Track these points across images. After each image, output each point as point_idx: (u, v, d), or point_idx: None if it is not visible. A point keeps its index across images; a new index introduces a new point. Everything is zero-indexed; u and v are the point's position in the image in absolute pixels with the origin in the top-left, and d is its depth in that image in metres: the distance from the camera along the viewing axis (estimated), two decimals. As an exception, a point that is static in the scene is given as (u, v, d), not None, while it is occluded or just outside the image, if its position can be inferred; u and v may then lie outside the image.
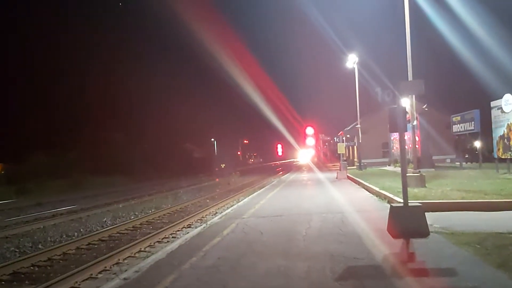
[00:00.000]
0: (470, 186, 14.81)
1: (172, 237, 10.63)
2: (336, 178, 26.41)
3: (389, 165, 36.44)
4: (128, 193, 23.83)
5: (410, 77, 15.99)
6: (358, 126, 34.65)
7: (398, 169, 17.18)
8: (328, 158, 69.36)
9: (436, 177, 19.83)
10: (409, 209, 8.07)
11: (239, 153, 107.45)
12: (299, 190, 19.52)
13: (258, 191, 20.50)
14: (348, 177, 25.63)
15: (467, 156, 34.98)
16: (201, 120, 73.30)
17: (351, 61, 34.83)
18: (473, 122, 23.99)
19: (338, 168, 32.55)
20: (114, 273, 7.22)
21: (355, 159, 45.65)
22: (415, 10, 18.40)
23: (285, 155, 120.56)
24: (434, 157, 34.99)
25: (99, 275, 7.43)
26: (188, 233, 10.26)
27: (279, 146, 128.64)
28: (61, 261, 8.99)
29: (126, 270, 6.88)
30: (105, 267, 7.80)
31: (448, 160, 37.75)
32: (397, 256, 6.38)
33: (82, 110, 45.90)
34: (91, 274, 7.30)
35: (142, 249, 9.31)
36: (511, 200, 10.75)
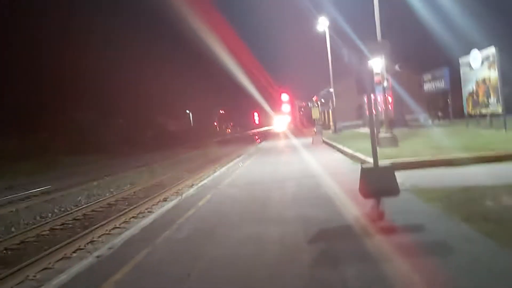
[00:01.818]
0: (440, 143, 15.10)
1: (148, 212, 10.57)
2: (312, 143, 26.56)
3: (363, 127, 36.84)
4: (103, 171, 23.51)
5: (378, 38, 15.96)
6: (332, 90, 34.71)
7: (381, 130, 17.34)
8: (304, 124, 69.71)
9: (409, 136, 20.15)
10: (379, 170, 8.17)
11: (215, 123, 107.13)
12: (275, 157, 19.59)
13: (235, 160, 20.49)
14: (324, 141, 25.84)
15: (440, 114, 35.60)
16: (175, 92, 72.32)
17: (322, 24, 34.54)
18: (443, 80, 24.28)
19: (314, 133, 32.85)
20: (88, 252, 7.17)
21: (331, 123, 46.04)
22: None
23: (263, 123, 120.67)
24: (408, 117, 35.51)
25: (73, 255, 7.37)
26: (163, 206, 10.21)
27: (256, 114, 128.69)
28: (34, 243, 8.87)
29: (99, 248, 6.83)
30: (79, 246, 7.74)
31: (422, 119, 38.40)
32: (367, 216, 6.48)
33: (51, 90, 44.59)
34: (65, 254, 7.23)
35: (117, 226, 9.25)
36: (477, 155, 11.01)
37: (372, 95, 8.55)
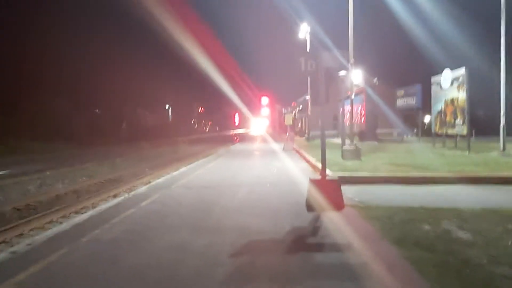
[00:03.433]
0: (403, 160, 15.13)
1: (93, 207, 10.19)
2: (283, 149, 26.47)
3: (337, 137, 36.93)
4: (65, 160, 22.89)
5: (350, 48, 15.89)
6: (308, 97, 34.72)
7: (347, 141, 17.29)
8: (283, 128, 69.71)
9: (375, 150, 20.20)
10: (326, 183, 8.06)
11: (193, 121, 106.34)
12: (242, 161, 19.36)
13: (201, 160, 20.20)
14: (294, 148, 25.75)
15: (415, 130, 35.92)
16: (155, 86, 71.37)
17: (303, 31, 34.51)
18: (415, 97, 24.45)
19: (290, 138, 32.71)
20: (12, 246, 6.78)
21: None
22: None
23: (243, 125, 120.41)
24: (381, 130, 35.75)
25: (-3, 247, 6.96)
26: (107, 203, 9.84)
27: (236, 115, 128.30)
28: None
29: (19, 243, 6.46)
30: (5, 239, 7.33)
31: (395, 134, 38.70)
32: (301, 230, 6.28)
33: (25, 74, 43.35)
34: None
35: (54, 220, 8.86)
36: (434, 175, 11.00)
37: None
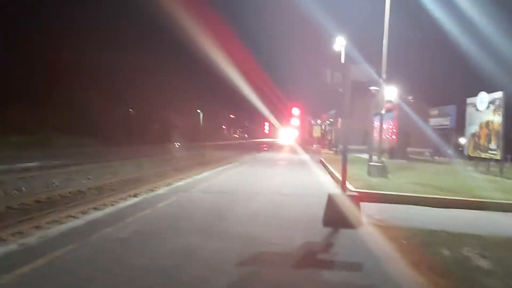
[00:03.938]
0: (431, 180, 14.62)
1: (111, 205, 10.25)
2: (309, 161, 26.21)
3: (366, 153, 36.24)
4: (93, 156, 23.32)
5: (384, 64, 15.57)
6: (334, 112, 34.36)
7: (374, 157, 16.96)
8: (312, 140, 69.13)
9: (404, 168, 19.67)
10: (345, 198, 7.82)
11: (224, 127, 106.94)
12: (265, 169, 19.21)
13: (226, 166, 20.17)
14: (321, 161, 25.42)
15: (449, 151, 34.86)
16: (189, 92, 72.22)
17: (339, 43, 34.23)
18: (449, 117, 23.74)
19: (318, 150, 32.41)
20: (24, 237, 6.86)
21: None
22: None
23: (271, 134, 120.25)
24: (413, 149, 34.88)
25: (10, 238, 7.05)
26: (126, 201, 9.88)
27: (266, 124, 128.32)
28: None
29: (32, 235, 6.51)
30: (20, 229, 7.42)
31: (427, 153, 37.69)
32: (313, 245, 6.08)
33: (60, 67, 44.49)
34: (1, 237, 6.91)
35: (72, 214, 8.94)
36: (460, 198, 10.55)
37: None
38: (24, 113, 36.26)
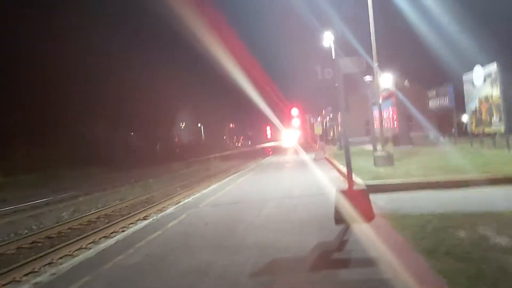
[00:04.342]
0: (438, 163, 14.51)
1: (122, 231, 10.21)
2: (314, 159, 26.12)
3: (370, 144, 36.08)
4: (101, 184, 23.34)
5: (374, 53, 15.52)
6: (330, 108, 34.29)
7: (378, 147, 16.85)
8: (314, 138, 68.83)
9: (409, 154, 19.55)
10: (354, 193, 7.73)
11: (225, 137, 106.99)
12: (271, 174, 19.15)
13: (231, 176, 20.15)
14: (325, 158, 25.34)
15: (453, 131, 34.60)
16: (189, 106, 72.58)
17: (327, 39, 34.20)
18: (447, 97, 23.62)
19: (322, 148, 32.21)
20: (38, 276, 6.81)
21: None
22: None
23: (275, 137, 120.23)
24: (416, 134, 34.71)
25: (24, 278, 7.01)
26: (136, 226, 9.84)
27: (268, 128, 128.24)
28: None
29: (45, 272, 6.47)
30: (34, 268, 7.38)
31: (431, 136, 37.48)
32: (327, 245, 6.00)
33: (60, 103, 44.74)
34: (14, 278, 6.87)
35: (83, 246, 8.90)
36: (470, 178, 10.43)
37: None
38: (30, 152, 36.47)
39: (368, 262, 5.06)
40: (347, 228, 6.88)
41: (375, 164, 15.34)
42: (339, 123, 37.16)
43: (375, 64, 15.25)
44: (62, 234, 10.81)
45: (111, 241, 8.15)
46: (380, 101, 16.69)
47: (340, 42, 32.98)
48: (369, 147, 32.95)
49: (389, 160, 15.16)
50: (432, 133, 36.75)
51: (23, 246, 9.66)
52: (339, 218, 7.50)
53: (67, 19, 53.51)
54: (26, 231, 11.73)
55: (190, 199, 13.32)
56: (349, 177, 8.06)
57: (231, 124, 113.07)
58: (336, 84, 8.08)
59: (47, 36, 47.54)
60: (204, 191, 14.95)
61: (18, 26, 49.68)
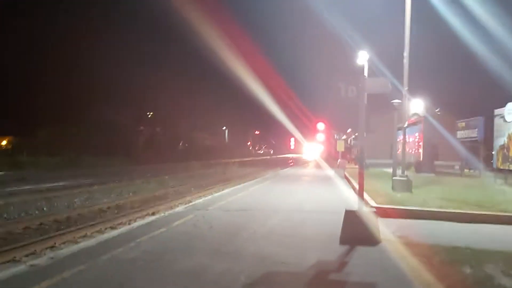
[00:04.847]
0: (458, 195, 14.08)
1: (128, 224, 10.21)
2: (333, 175, 25.84)
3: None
4: (118, 175, 23.57)
5: (405, 78, 15.23)
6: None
7: (398, 172, 16.52)
8: (337, 155, 68.02)
9: (430, 182, 19.07)
10: (362, 215, 7.54)
11: (249, 143, 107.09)
12: (287, 186, 18.98)
13: (247, 183, 20.04)
14: (345, 176, 25.02)
15: (480, 163, 33.56)
16: (214, 110, 73.00)
17: (362, 57, 33.91)
18: (476, 130, 23.03)
19: (343, 165, 31.93)
20: (36, 258, 6.85)
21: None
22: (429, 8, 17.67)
23: (297, 149, 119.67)
24: (441, 163, 33.90)
25: (24, 258, 7.03)
26: (142, 220, 9.85)
27: (292, 140, 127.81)
28: (1, 239, 8.65)
29: (42, 256, 6.50)
30: (35, 250, 7.42)
31: (457, 167, 36.54)
32: (326, 265, 5.84)
33: (91, 88, 45.65)
34: (14, 257, 6.91)
35: (88, 234, 8.91)
36: (487, 213, 10.10)
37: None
38: (53, 135, 37.27)
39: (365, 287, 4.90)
40: (350, 250, 6.71)
41: (393, 188, 15.02)
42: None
43: (404, 88, 14.96)
44: (71, 219, 10.89)
45: (115, 232, 8.20)
46: (405, 125, 16.37)
47: (373, 63, 32.67)
48: (391, 170, 32.41)
49: (407, 185, 14.81)
50: (459, 164, 35.86)
51: (30, 226, 9.77)
52: (344, 238, 7.33)
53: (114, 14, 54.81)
54: (37, 212, 11.90)
55: (200, 200, 13.31)
56: (360, 198, 7.88)
57: (255, 131, 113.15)
58: (356, 104, 7.93)
59: (81, 25, 48.86)
60: (216, 194, 14.92)
61: (58, 15, 51.18)
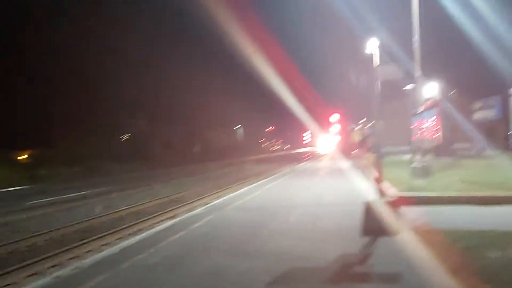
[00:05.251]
0: (479, 177, 13.87)
1: (149, 229, 10.28)
2: (350, 167, 25.65)
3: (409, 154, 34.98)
4: (137, 180, 23.80)
5: (417, 62, 15.02)
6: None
7: (417, 158, 16.30)
8: (354, 145, 67.41)
9: (450, 166, 18.83)
10: (382, 205, 7.46)
11: (264, 139, 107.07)
12: (303, 180, 18.89)
13: (263, 180, 20.01)
14: (362, 166, 24.80)
15: (499, 144, 33.01)
16: (229, 107, 73.10)
17: (372, 45, 33.54)
18: (494, 109, 22.62)
19: (359, 155, 31.56)
20: (61, 269, 6.92)
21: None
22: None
23: (312, 143, 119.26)
24: (459, 146, 33.40)
25: (49, 270, 7.15)
26: (162, 224, 9.90)
27: (307, 133, 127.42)
28: (26, 252, 8.79)
29: (68, 266, 6.56)
30: (60, 261, 7.52)
31: (476, 148, 35.97)
32: (349, 258, 5.77)
33: (106, 98, 46.00)
34: (37, 271, 7.02)
35: (110, 242, 9.02)
36: (509, 194, 9.88)
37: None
38: (73, 145, 37.78)
39: (390, 278, 4.82)
40: (373, 241, 6.62)
41: (412, 175, 14.83)
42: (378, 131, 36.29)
43: (417, 73, 14.76)
44: (93, 227, 11.04)
45: (136, 239, 8.21)
46: (421, 110, 16.15)
47: (384, 48, 32.24)
48: (407, 157, 32.01)
49: (427, 171, 14.63)
50: (477, 145, 35.28)
51: (53, 238, 9.91)
52: (365, 229, 7.25)
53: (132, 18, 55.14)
54: (56, 224, 12.05)
55: (219, 200, 13.31)
56: (379, 188, 7.78)
57: (270, 127, 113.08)
58: (368, 91, 7.82)
59: (97, 31, 49.22)
60: (233, 194, 14.90)
61: (72, 19, 51.53)
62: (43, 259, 7.65)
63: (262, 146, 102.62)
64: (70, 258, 7.79)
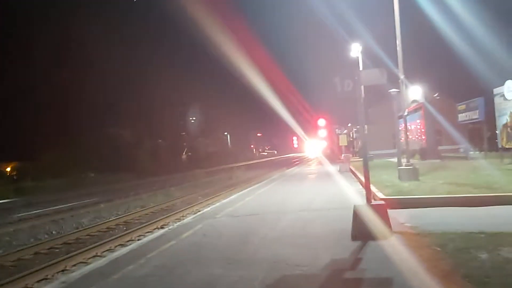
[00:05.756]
0: (465, 178, 14.01)
1: (138, 239, 10.18)
2: (338, 171, 25.73)
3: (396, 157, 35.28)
4: (124, 191, 23.59)
5: (400, 65, 15.18)
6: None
7: (403, 160, 16.46)
8: (342, 150, 67.70)
9: (436, 168, 19.00)
10: (371, 209, 7.47)
11: (252, 146, 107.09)
12: (293, 185, 18.91)
13: (253, 186, 19.97)
14: (350, 170, 24.93)
15: (484, 145, 33.44)
16: (215, 114, 73.06)
17: (355, 50, 33.79)
18: (477, 111, 22.91)
19: (347, 160, 31.72)
20: (49, 283, 6.81)
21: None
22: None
23: (300, 148, 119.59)
24: (445, 147, 33.81)
25: (36, 285, 7.02)
26: (151, 235, 9.81)
27: (295, 139, 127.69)
28: (11, 267, 8.62)
29: (57, 279, 6.46)
30: (47, 275, 7.38)
31: (461, 150, 36.41)
32: (340, 263, 5.77)
33: (91, 108, 45.71)
34: (26, 285, 6.88)
35: (98, 254, 8.89)
36: (498, 194, 10.00)
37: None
38: (58, 157, 37.33)
39: (381, 283, 4.83)
40: (363, 245, 6.63)
41: (399, 178, 14.94)
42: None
43: (401, 77, 14.90)
44: (80, 240, 10.87)
45: (125, 250, 8.13)
46: (406, 113, 16.30)
47: (368, 53, 32.55)
48: (394, 159, 32.27)
49: (414, 174, 14.73)
50: (462, 147, 35.66)
51: (40, 251, 9.73)
52: (355, 234, 7.26)
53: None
54: (46, 236, 11.88)
55: (208, 208, 13.24)
56: (367, 192, 7.81)
57: (257, 134, 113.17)
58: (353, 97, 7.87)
59: (80, 42, 48.88)
60: (223, 201, 14.85)
61: (68, 30, 50.97)
62: (30, 273, 7.49)
63: (252, 152, 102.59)
64: (58, 272, 7.64)
